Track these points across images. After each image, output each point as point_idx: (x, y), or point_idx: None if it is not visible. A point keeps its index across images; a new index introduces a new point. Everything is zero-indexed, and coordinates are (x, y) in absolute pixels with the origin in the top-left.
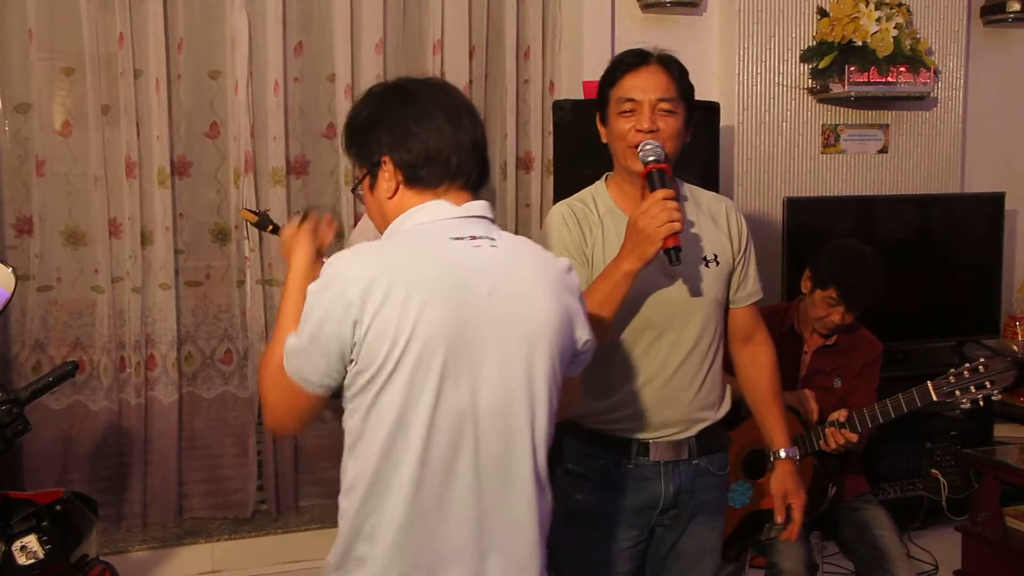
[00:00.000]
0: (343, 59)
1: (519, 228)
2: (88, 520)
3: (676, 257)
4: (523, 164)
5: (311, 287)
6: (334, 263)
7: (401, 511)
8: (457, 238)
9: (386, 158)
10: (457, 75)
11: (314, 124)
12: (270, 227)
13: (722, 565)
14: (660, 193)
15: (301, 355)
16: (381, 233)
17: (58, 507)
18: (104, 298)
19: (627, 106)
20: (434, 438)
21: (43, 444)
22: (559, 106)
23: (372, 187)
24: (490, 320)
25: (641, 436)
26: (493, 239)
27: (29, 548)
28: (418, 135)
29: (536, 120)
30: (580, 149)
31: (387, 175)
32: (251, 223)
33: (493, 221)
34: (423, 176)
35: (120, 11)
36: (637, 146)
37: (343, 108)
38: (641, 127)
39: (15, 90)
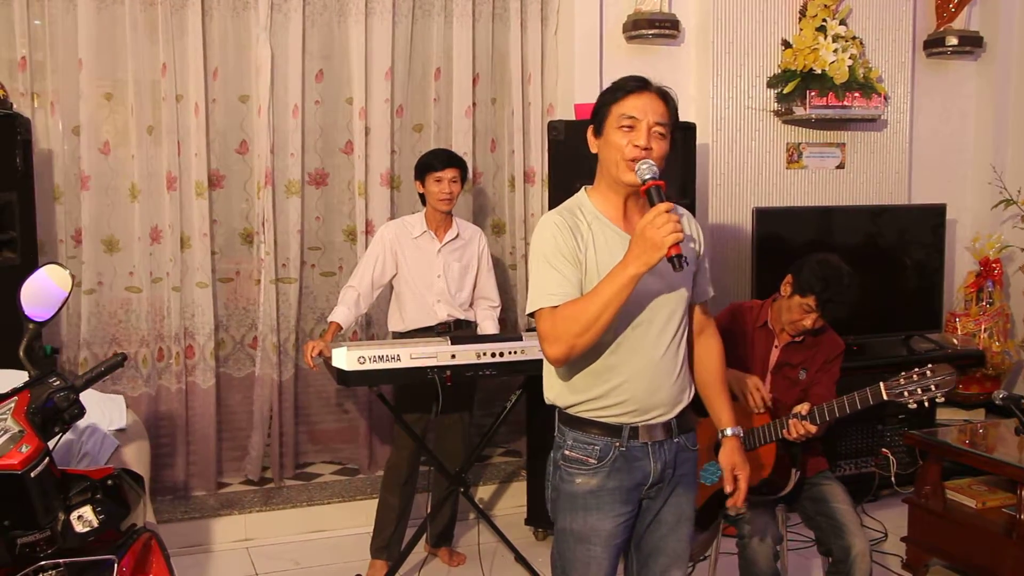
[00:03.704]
0: (358, 84)
1: (528, 234)
2: (136, 494)
3: (680, 263)
4: (528, 178)
5: None
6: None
7: None
8: None
9: None
10: (461, 99)
11: (333, 141)
12: None
13: (697, 534)
14: (663, 206)
15: None
16: None
17: (109, 482)
18: (143, 296)
19: (627, 122)
20: None
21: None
22: (553, 126)
23: None
24: None
25: (632, 421)
26: None
27: (85, 517)
28: None
29: (536, 138)
30: (572, 164)
31: None
32: None
33: None
34: None
35: (164, 43)
36: (631, 159)
37: (359, 127)
38: (638, 143)
39: (69, 113)
